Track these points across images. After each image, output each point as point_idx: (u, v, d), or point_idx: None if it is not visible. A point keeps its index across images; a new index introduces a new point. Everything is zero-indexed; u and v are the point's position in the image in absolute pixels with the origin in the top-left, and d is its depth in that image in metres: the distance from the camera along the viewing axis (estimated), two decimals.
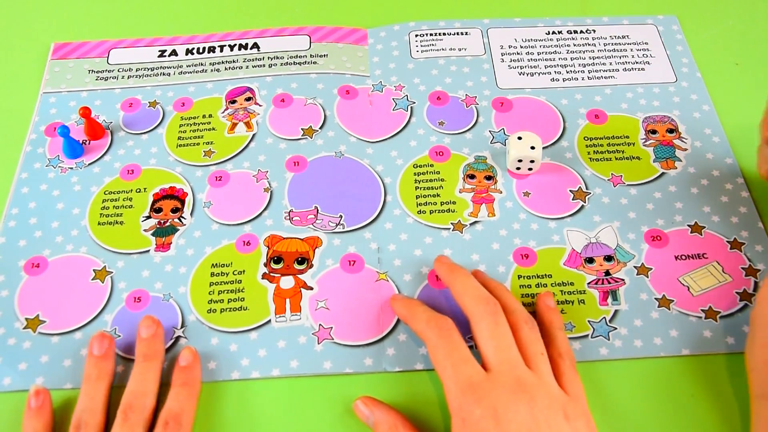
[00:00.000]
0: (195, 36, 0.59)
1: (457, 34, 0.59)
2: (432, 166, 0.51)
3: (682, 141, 0.52)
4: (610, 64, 0.57)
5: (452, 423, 0.36)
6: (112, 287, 0.46)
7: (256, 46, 0.59)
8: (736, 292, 0.45)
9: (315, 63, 0.57)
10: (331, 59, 0.57)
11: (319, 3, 0.62)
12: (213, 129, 0.54)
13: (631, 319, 0.44)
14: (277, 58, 0.58)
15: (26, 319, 0.44)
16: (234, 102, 0.55)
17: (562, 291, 0.45)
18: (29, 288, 0.46)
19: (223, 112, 0.54)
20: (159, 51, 0.58)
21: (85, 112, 0.51)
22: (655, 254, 0.46)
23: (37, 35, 0.60)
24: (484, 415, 0.35)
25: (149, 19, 0.61)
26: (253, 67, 0.57)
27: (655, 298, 0.45)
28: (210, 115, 0.54)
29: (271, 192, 0.50)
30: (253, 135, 0.53)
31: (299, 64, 0.57)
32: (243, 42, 0.59)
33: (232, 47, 0.58)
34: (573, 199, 0.49)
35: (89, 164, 0.52)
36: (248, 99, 0.55)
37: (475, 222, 0.48)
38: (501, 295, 0.42)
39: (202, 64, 0.58)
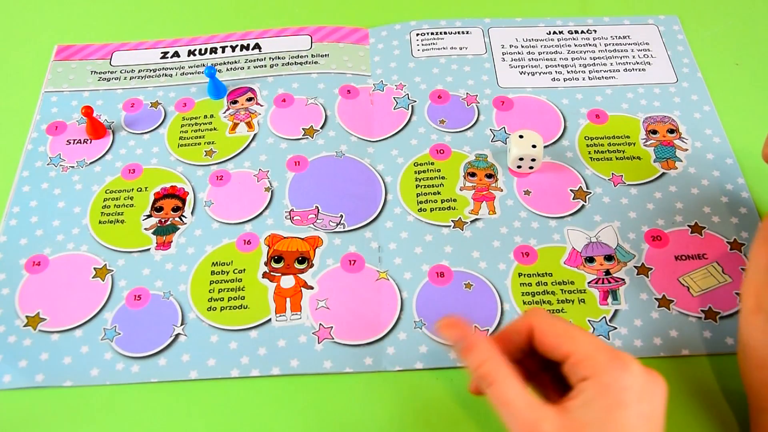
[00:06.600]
0: (197, 37, 0.60)
1: (458, 33, 0.59)
2: (433, 164, 0.51)
3: (683, 141, 0.52)
4: (611, 64, 0.57)
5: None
6: (112, 285, 0.46)
7: (257, 46, 0.59)
8: (736, 293, 0.44)
9: (316, 63, 0.57)
10: (333, 59, 0.57)
11: (320, 3, 0.62)
12: (214, 129, 0.54)
13: (631, 319, 0.44)
14: (279, 58, 0.58)
15: (27, 316, 0.44)
16: (235, 102, 0.55)
17: (562, 290, 0.45)
18: (30, 286, 0.46)
19: (224, 113, 0.55)
20: (161, 53, 0.59)
21: (87, 112, 0.51)
22: (656, 254, 0.46)
23: (40, 37, 0.60)
24: None
25: (152, 21, 0.61)
26: (254, 67, 0.57)
27: (655, 298, 0.44)
28: (211, 116, 0.54)
29: (272, 191, 0.50)
30: (255, 135, 0.53)
31: (300, 64, 0.57)
32: (244, 43, 0.59)
33: (233, 48, 0.59)
34: (573, 199, 0.49)
35: (90, 163, 0.52)
36: (249, 99, 0.55)
37: (476, 219, 0.48)
38: None
39: (204, 65, 0.58)
